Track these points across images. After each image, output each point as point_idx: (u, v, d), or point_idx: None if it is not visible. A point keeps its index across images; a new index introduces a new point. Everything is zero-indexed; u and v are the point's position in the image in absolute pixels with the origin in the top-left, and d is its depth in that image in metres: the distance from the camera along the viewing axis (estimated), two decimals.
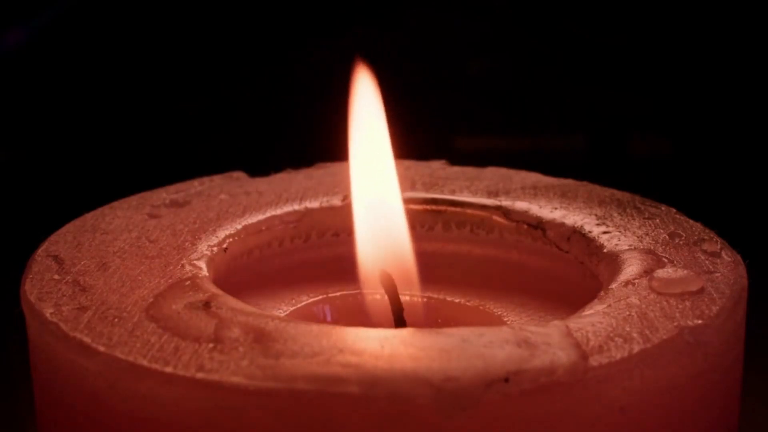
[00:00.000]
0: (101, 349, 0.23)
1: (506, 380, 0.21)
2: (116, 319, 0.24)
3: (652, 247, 0.27)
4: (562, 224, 0.29)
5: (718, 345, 0.24)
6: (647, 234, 0.28)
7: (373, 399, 0.21)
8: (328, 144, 0.35)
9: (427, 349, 0.22)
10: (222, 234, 0.29)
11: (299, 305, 0.29)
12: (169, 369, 0.22)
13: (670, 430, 0.23)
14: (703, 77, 0.67)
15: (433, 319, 0.29)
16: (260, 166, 0.33)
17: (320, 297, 0.30)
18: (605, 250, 0.28)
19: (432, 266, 0.30)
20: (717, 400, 0.24)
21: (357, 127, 0.29)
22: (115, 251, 0.27)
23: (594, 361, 0.22)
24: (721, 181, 0.65)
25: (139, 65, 0.68)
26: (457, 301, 0.30)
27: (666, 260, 0.27)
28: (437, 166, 0.34)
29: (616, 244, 0.28)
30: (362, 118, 0.30)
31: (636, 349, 0.22)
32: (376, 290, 0.29)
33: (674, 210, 0.30)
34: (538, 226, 0.30)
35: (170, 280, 0.26)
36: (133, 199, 0.31)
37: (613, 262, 0.27)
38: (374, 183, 0.29)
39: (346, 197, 0.31)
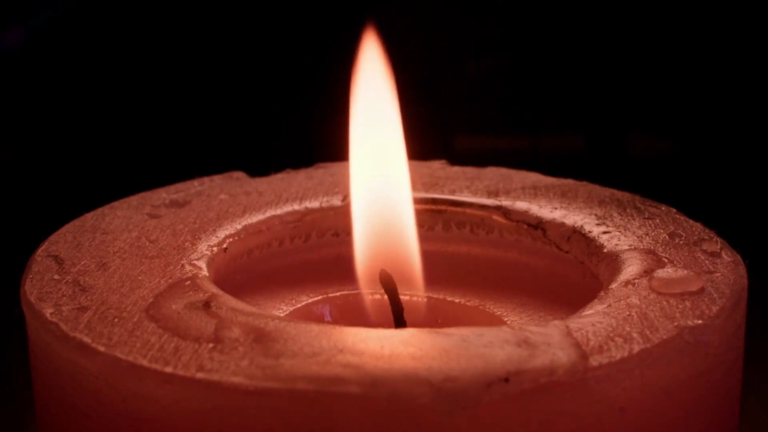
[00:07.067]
0: (101, 349, 0.23)
1: (506, 380, 0.21)
2: (116, 319, 0.24)
3: (652, 247, 0.27)
4: (562, 224, 0.29)
5: (718, 345, 0.24)
6: (647, 234, 0.28)
7: (373, 399, 0.21)
8: (328, 144, 0.35)
9: (427, 349, 0.22)
10: (222, 234, 0.29)
11: (299, 305, 0.29)
12: (169, 369, 0.22)
13: (670, 430, 0.23)
14: (703, 77, 0.67)
15: (433, 319, 0.29)
16: (260, 166, 0.33)
17: (320, 297, 0.30)
18: (605, 250, 0.28)
19: (432, 266, 0.30)
20: (717, 400, 0.24)
21: (362, 116, 0.29)
22: (115, 251, 0.27)
23: (594, 361, 0.22)
24: (721, 181, 0.65)
25: (139, 65, 0.68)
26: (457, 301, 0.30)
27: (666, 260, 0.27)
28: (437, 166, 0.34)
29: (616, 244, 0.28)
30: (369, 107, 0.29)
31: (636, 349, 0.22)
32: (376, 290, 0.29)
33: (674, 210, 0.30)
34: (538, 226, 0.30)
35: (170, 280, 0.26)
36: (133, 199, 0.31)
37: (613, 262, 0.27)
38: (382, 178, 0.29)
39: (346, 197, 0.31)
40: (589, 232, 0.29)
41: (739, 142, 0.67)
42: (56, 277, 0.26)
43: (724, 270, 0.26)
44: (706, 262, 0.27)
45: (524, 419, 0.21)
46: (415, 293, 0.29)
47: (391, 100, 0.29)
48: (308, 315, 0.29)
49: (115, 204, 0.30)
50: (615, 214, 0.30)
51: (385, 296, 0.28)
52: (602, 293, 0.25)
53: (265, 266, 0.30)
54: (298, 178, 0.33)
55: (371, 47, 0.29)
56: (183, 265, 0.27)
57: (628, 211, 0.30)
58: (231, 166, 0.33)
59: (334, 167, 0.33)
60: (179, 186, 0.32)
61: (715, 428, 0.25)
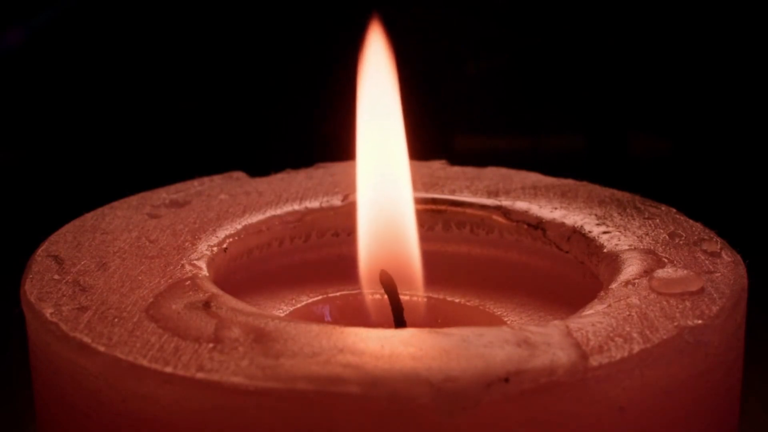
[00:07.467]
0: (101, 349, 0.23)
1: (506, 380, 0.21)
2: (116, 319, 0.24)
3: (652, 247, 0.27)
4: (562, 224, 0.29)
5: (718, 345, 0.24)
6: (647, 234, 0.28)
7: (373, 399, 0.21)
8: (328, 144, 0.35)
9: (427, 349, 0.22)
10: (222, 234, 0.29)
11: (299, 305, 0.29)
12: (169, 369, 0.22)
13: (670, 430, 0.23)
14: (703, 77, 0.67)
15: (433, 319, 0.29)
16: (260, 166, 0.33)
17: (320, 297, 0.30)
18: (605, 250, 0.28)
19: (432, 266, 0.30)
20: (717, 400, 0.24)
21: (367, 116, 0.29)
22: (115, 251, 0.27)
23: (594, 361, 0.22)
24: (721, 181, 0.65)
25: (139, 65, 0.68)
26: (457, 301, 0.30)
27: (666, 260, 0.27)
28: (437, 166, 0.34)
29: (616, 244, 0.28)
30: (373, 106, 0.29)
31: (636, 349, 0.22)
32: (376, 290, 0.29)
33: (674, 210, 0.30)
34: (538, 226, 0.30)
35: (170, 280, 0.26)
36: (133, 199, 0.31)
37: (613, 262, 0.27)
38: (384, 179, 0.29)
39: (346, 197, 0.31)
40: (589, 232, 0.29)
41: (739, 142, 0.67)
42: (56, 277, 0.26)
43: (724, 270, 0.26)
44: (706, 262, 0.27)
45: (524, 419, 0.21)
46: (415, 293, 0.29)
47: (395, 94, 0.29)
48: (308, 315, 0.29)
49: (115, 204, 0.30)
50: (615, 214, 0.30)
51: (385, 296, 0.28)
52: (602, 293, 0.25)
53: (265, 266, 0.30)
54: (298, 178, 0.33)
55: (376, 40, 0.29)
56: (183, 265, 0.27)
57: (628, 211, 0.30)
58: (231, 166, 0.33)
59: (334, 167, 0.33)
60: (179, 186, 0.32)
61: (715, 428, 0.25)
